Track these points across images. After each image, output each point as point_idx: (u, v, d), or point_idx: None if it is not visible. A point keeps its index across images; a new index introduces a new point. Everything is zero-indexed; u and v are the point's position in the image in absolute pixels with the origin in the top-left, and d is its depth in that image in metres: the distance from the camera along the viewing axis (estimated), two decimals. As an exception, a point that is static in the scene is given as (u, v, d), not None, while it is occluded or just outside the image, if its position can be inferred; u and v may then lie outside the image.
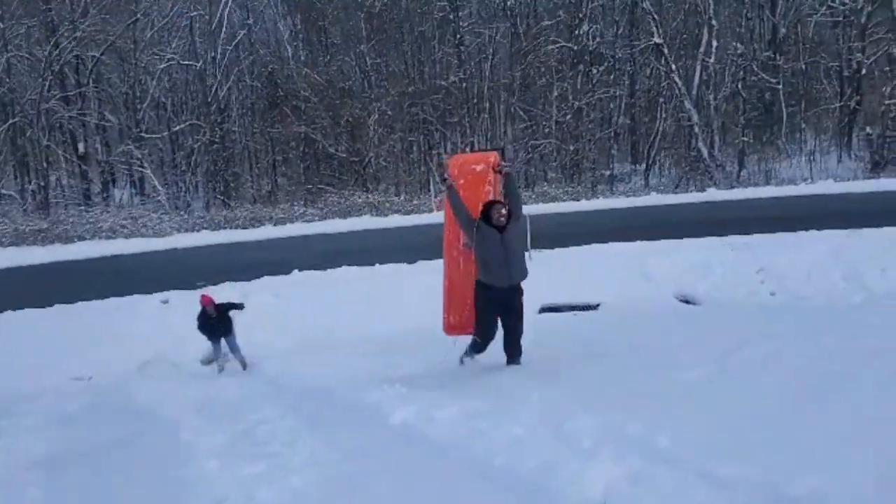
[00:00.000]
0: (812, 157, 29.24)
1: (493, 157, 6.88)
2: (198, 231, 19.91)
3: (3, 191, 30.60)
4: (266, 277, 14.30)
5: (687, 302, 12.79)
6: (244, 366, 10.53)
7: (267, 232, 19.33)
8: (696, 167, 28.08)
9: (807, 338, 5.57)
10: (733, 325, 7.70)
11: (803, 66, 31.39)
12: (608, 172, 30.12)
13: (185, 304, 12.93)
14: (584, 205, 21.21)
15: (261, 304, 13.14)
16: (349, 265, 14.79)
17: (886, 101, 26.90)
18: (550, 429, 3.75)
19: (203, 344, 11.47)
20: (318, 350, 10.12)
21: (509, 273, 6.36)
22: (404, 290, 12.69)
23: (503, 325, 6.59)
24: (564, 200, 22.23)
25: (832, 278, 12.69)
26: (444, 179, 6.69)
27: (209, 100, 32.70)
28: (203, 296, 10.58)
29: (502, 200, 6.55)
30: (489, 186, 6.74)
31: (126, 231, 19.84)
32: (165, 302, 13.59)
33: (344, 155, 29.90)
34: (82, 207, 27.80)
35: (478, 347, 6.59)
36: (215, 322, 10.40)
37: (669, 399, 4.15)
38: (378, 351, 8.96)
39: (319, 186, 29.19)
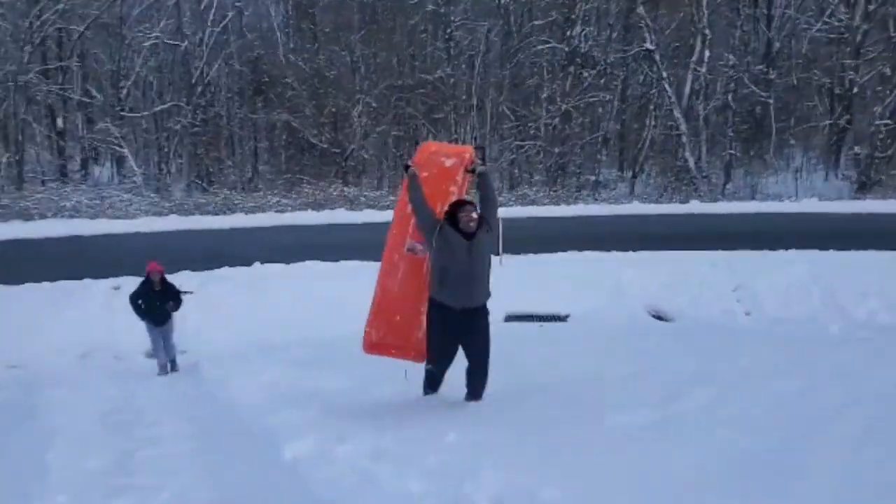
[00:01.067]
0: (799, 174, 28.93)
1: (469, 152, 5.83)
2: (166, 215, 19.28)
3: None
4: (226, 268, 13.75)
5: (659, 318, 12.34)
6: (172, 366, 9.44)
7: (237, 220, 18.72)
8: (682, 177, 27.69)
9: (770, 381, 5.08)
10: (698, 352, 7.23)
11: (795, 82, 31.04)
12: (594, 178, 29.68)
13: (137, 292, 12.37)
14: (565, 210, 20.72)
15: (217, 296, 12.60)
16: (315, 259, 14.26)
17: (876, 122, 26.58)
18: (452, 486, 3.24)
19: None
20: (266, 351, 9.58)
21: (470, 292, 5.33)
22: (367, 290, 12.15)
23: (466, 355, 5.51)
24: (545, 204, 21.74)
25: (810, 301, 12.26)
26: (407, 166, 5.70)
27: (193, 81, 32.01)
28: (151, 262, 9.19)
29: (473, 201, 5.56)
30: (454, 187, 5.70)
31: (92, 211, 19.17)
32: (117, 288, 12.96)
33: (325, 146, 29.30)
34: (54, 184, 27.11)
35: (433, 382, 5.56)
36: (156, 298, 9.05)
37: (598, 454, 3.64)
38: (322, 356, 8.45)
39: (299, 176, 28.60)
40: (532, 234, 16.22)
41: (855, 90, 28.00)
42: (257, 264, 13.96)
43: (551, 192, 24.89)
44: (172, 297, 9.21)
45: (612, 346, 8.59)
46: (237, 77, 35.60)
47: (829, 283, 12.83)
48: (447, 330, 5.36)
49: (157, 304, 9.09)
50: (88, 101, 32.91)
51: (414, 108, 30.48)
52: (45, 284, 12.73)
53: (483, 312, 5.53)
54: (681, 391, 4.72)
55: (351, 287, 12.64)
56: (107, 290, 13.00)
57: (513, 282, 11.46)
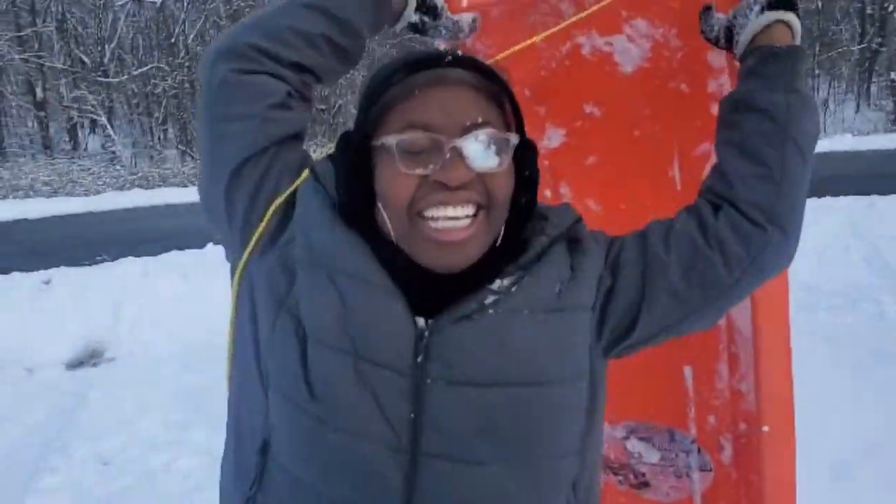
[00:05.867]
0: (826, 106, 26.59)
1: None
2: (129, 189, 17.61)
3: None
4: (174, 252, 12.03)
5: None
6: None
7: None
8: (698, 115, 25.47)
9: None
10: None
11: (819, 5, 28.45)
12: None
13: (69, 286, 10.79)
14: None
15: (159, 287, 10.89)
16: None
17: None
18: None
19: (78, 339, 9.35)
20: (189, 360, 7.88)
21: None
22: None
23: None
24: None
25: (850, 261, 10.37)
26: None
27: (173, 41, 30.16)
28: None
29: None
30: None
31: (48, 189, 17.53)
32: (47, 282, 11.37)
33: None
34: (32, 156, 25.76)
35: None
36: None
37: None
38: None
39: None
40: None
41: (890, 8, 25.39)
42: (210, 246, 12.21)
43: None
44: None
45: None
46: (217, 32, 33.66)
47: (872, 238, 10.92)
48: None
49: None
50: (66, 67, 31.15)
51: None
52: (-35, 281, 11.12)
53: None
54: None
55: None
56: (36, 284, 11.43)
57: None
